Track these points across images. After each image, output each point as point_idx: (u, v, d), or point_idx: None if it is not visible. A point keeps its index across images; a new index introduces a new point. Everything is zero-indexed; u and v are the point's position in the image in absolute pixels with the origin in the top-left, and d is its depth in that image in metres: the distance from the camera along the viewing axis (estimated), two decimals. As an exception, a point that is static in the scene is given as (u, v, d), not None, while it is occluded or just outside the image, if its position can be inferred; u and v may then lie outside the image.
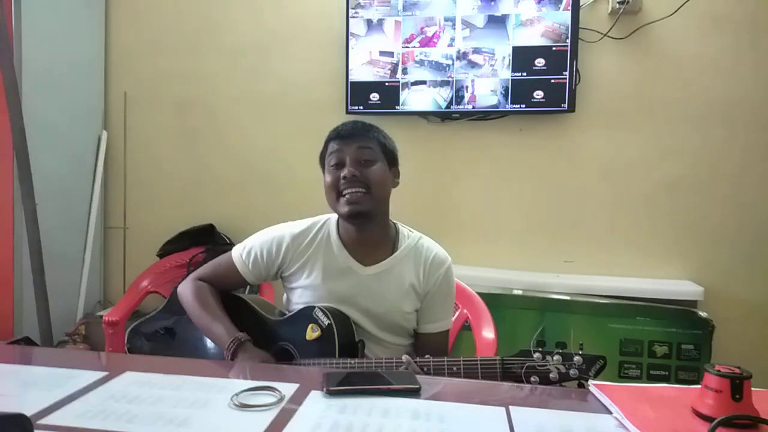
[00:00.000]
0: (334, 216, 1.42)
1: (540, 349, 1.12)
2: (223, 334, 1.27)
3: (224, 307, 1.36)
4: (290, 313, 1.38)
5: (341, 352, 1.25)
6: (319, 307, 1.30)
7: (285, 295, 1.47)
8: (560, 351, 1.11)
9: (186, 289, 1.39)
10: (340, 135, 1.34)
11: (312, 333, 1.28)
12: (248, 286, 1.52)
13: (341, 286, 1.35)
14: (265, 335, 1.31)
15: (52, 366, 1.07)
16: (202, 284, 1.40)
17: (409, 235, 1.42)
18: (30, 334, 2.34)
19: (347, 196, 1.30)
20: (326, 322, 1.27)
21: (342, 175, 1.30)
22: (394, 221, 1.44)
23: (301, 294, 1.39)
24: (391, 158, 1.37)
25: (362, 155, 1.31)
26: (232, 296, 1.43)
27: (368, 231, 1.36)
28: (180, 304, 1.40)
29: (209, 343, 1.38)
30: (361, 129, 1.35)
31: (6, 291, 2.46)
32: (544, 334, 2.26)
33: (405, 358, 1.19)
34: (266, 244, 1.40)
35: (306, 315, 1.31)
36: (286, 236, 1.39)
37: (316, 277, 1.36)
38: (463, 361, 1.16)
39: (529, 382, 1.10)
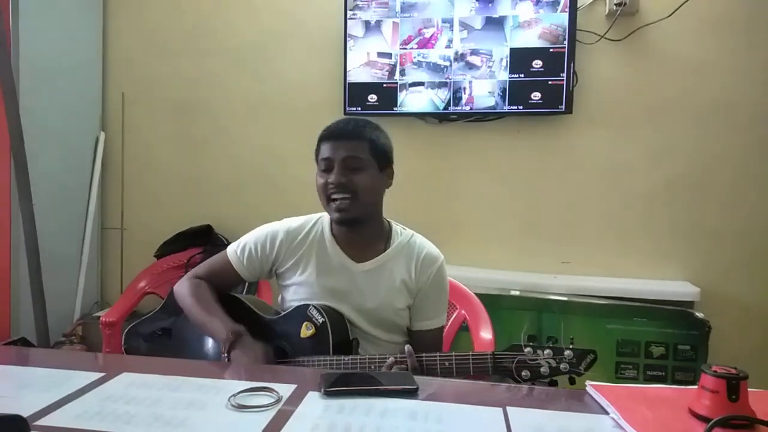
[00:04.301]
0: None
1: (531, 343, 1.12)
2: (220, 328, 1.27)
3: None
4: (285, 312, 1.38)
5: (335, 350, 1.26)
6: (314, 306, 1.31)
7: (280, 294, 1.47)
8: (551, 345, 1.11)
9: (182, 288, 1.40)
10: (330, 136, 1.34)
11: (306, 331, 1.29)
12: (245, 286, 1.51)
13: (335, 283, 1.36)
14: (259, 334, 1.31)
15: (49, 367, 1.07)
16: (198, 281, 1.40)
17: (401, 232, 1.43)
18: (27, 334, 2.34)
19: (336, 202, 1.31)
20: (320, 320, 1.28)
21: (329, 180, 1.31)
22: (388, 219, 1.45)
23: (295, 291, 1.39)
24: (382, 159, 1.36)
25: (350, 163, 1.31)
26: (227, 296, 1.43)
27: (360, 230, 1.38)
28: (177, 305, 1.40)
29: (207, 344, 1.38)
30: (351, 131, 1.34)
31: (3, 292, 2.45)
32: (538, 332, 2.26)
33: (407, 348, 1.19)
34: (260, 239, 1.41)
35: (300, 313, 1.32)
36: (280, 232, 1.41)
37: (311, 273, 1.37)
38: (455, 356, 1.18)
39: (520, 376, 1.11)
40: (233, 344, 1.23)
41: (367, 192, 1.32)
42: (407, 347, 1.20)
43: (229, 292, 1.45)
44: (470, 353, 1.17)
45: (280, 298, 1.47)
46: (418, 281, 1.38)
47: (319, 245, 1.39)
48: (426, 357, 1.19)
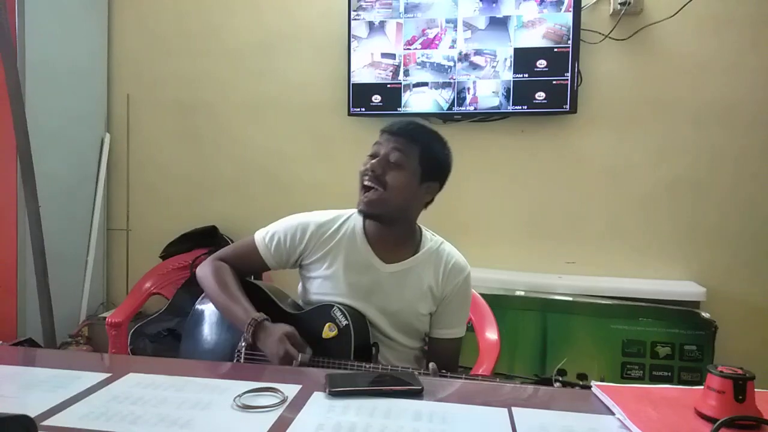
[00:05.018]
0: None
1: (560, 378, 1.10)
2: (242, 315, 1.27)
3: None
4: (308, 308, 1.38)
5: (356, 354, 1.25)
6: (338, 307, 1.30)
7: (300, 284, 1.46)
8: (581, 383, 1.09)
9: (205, 269, 1.39)
10: (388, 128, 1.34)
11: (329, 332, 1.28)
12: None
13: (360, 280, 1.36)
14: None
15: (56, 367, 1.08)
16: (221, 264, 1.40)
17: (431, 238, 1.43)
18: (33, 335, 2.34)
19: (366, 193, 1.31)
20: (344, 322, 1.27)
21: (368, 166, 1.31)
22: (420, 225, 1.44)
23: (320, 284, 1.39)
24: (428, 172, 1.33)
25: (393, 156, 1.30)
26: (250, 284, 1.42)
27: (391, 230, 1.37)
28: (182, 306, 1.41)
29: (212, 344, 1.38)
30: (409, 131, 1.33)
31: (9, 292, 2.47)
32: (543, 332, 2.25)
33: (431, 366, 1.18)
34: (290, 229, 1.40)
35: (324, 313, 1.31)
36: (311, 224, 1.40)
37: (337, 268, 1.37)
38: (481, 379, 1.17)
39: None
40: (256, 332, 1.23)
41: (395, 190, 1.30)
42: (432, 365, 1.18)
43: (249, 277, 1.45)
44: (497, 380, 1.16)
45: (300, 287, 1.46)
46: (444, 289, 1.38)
47: (350, 241, 1.38)
48: (451, 377, 1.17)
